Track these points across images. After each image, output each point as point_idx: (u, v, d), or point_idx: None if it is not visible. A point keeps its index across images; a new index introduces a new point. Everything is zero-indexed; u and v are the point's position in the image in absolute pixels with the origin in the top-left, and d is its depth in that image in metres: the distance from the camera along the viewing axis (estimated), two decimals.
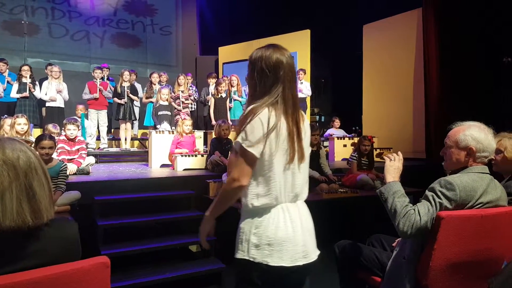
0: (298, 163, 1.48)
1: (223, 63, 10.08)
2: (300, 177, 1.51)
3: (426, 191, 1.80)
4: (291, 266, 1.43)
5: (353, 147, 6.84)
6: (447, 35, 6.32)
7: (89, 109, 6.84)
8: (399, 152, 1.93)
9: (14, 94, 6.37)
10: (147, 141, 6.62)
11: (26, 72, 6.42)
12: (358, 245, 2.23)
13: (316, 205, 4.13)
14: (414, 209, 1.72)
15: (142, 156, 6.82)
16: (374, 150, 5.03)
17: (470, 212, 1.74)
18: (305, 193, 1.56)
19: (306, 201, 1.60)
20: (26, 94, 6.34)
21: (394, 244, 2.19)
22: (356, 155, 4.77)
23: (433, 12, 6.61)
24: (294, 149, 1.45)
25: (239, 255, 1.46)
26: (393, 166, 1.88)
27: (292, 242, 1.44)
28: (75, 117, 6.10)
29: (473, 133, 1.81)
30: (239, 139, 1.43)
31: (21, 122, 4.42)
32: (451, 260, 1.74)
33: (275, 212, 1.45)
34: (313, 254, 1.51)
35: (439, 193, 1.73)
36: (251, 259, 1.42)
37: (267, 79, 1.46)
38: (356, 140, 6.98)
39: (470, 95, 5.94)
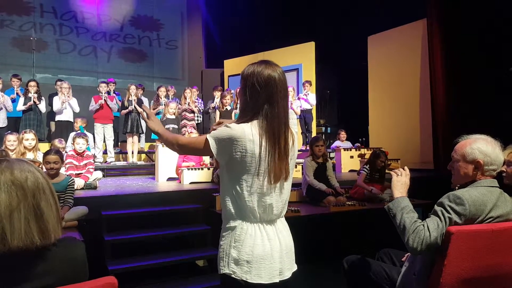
0: (281, 183, 1.49)
1: (229, 76, 10.16)
2: (283, 197, 1.52)
3: (435, 206, 1.78)
4: (269, 284, 1.45)
5: (360, 158, 6.79)
6: (452, 45, 6.31)
7: (95, 123, 6.92)
8: (406, 167, 1.92)
9: (20, 107, 6.49)
10: (153, 154, 6.65)
11: (32, 87, 6.55)
12: (367, 260, 2.20)
13: (323, 218, 4.12)
14: (423, 225, 1.70)
15: (149, 169, 6.84)
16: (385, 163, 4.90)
17: (480, 227, 1.72)
18: (285, 210, 1.57)
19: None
20: (31, 103, 6.45)
21: (403, 259, 2.15)
22: (368, 168, 4.72)
23: (437, 23, 6.62)
24: (281, 168, 1.46)
25: (221, 270, 1.49)
26: (400, 181, 1.86)
27: (270, 259, 1.46)
28: (84, 132, 6.19)
29: (480, 146, 1.79)
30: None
31: (29, 138, 4.46)
32: (462, 276, 1.70)
33: (252, 229, 1.47)
34: (288, 272, 1.53)
35: (448, 208, 1.71)
36: (231, 273, 1.45)
37: (258, 95, 1.46)
38: (363, 151, 6.94)
39: (477, 105, 5.89)
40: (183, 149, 1.58)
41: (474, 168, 1.80)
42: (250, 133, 1.43)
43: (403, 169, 1.91)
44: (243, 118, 1.49)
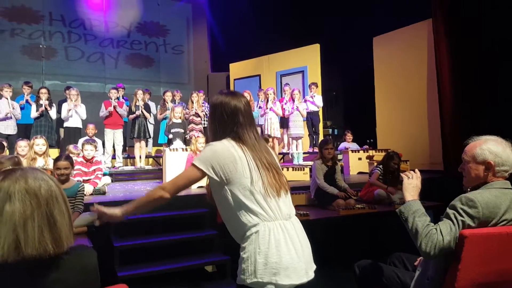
0: (284, 193, 1.58)
1: (234, 79, 10.19)
2: (287, 200, 1.60)
3: (447, 209, 1.75)
4: (299, 284, 1.49)
5: (368, 160, 6.75)
6: (458, 44, 6.25)
7: (105, 129, 6.98)
8: (417, 170, 1.90)
9: (33, 114, 6.58)
10: (161, 158, 6.68)
11: (43, 94, 6.63)
12: (379, 264, 2.17)
13: (333, 222, 4.09)
14: (436, 229, 1.68)
15: (157, 173, 6.86)
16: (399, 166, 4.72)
17: (494, 230, 1.69)
18: (294, 210, 1.64)
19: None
20: (42, 108, 6.53)
21: (416, 263, 2.12)
22: (381, 168, 4.64)
23: (443, 22, 6.56)
24: (277, 182, 1.56)
25: (247, 280, 1.47)
26: (412, 184, 1.84)
27: (296, 261, 1.49)
28: (93, 137, 6.23)
29: (490, 147, 1.77)
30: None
31: (40, 143, 4.52)
32: (476, 281, 1.68)
33: (275, 229, 1.49)
34: (311, 271, 1.57)
35: (461, 211, 1.68)
36: (260, 280, 1.45)
37: (226, 124, 1.59)
38: (371, 153, 6.90)
39: (485, 104, 5.83)
40: (174, 191, 1.58)
41: (485, 169, 1.77)
42: (229, 144, 1.55)
43: (414, 171, 1.89)
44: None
